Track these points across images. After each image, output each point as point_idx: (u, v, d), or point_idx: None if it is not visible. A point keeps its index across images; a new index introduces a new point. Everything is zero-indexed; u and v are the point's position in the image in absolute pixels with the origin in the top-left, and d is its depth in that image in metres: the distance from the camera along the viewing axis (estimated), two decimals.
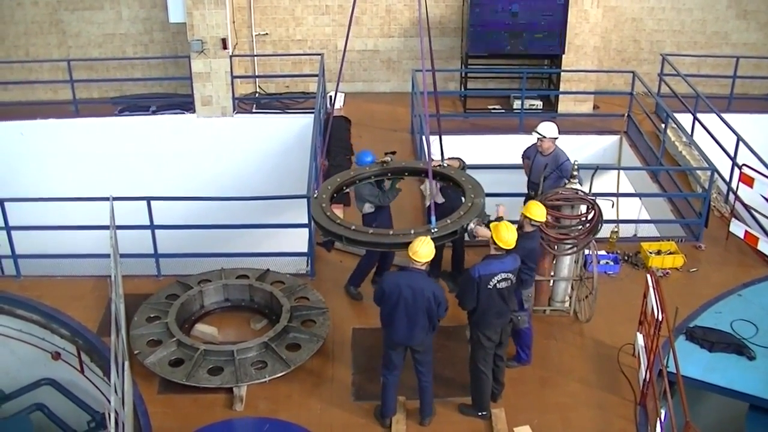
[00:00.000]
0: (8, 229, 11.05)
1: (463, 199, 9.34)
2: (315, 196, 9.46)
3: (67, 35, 17.13)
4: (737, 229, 11.98)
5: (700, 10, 17.45)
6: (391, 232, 8.72)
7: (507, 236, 8.17)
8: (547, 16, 16.09)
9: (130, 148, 16.25)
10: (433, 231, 8.52)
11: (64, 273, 11.29)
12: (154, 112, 16.72)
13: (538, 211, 8.95)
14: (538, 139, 10.64)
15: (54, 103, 17.09)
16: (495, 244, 8.22)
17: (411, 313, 7.98)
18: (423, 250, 7.93)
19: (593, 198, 9.82)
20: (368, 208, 10.24)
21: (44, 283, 11.00)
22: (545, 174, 10.49)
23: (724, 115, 13.77)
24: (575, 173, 9.96)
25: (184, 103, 16.65)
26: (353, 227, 8.84)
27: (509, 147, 15.29)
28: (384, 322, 8.22)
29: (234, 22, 16.51)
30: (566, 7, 15.96)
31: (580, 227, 9.71)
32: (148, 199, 10.88)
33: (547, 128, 10.64)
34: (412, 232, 8.46)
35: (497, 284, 8.21)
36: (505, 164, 12.46)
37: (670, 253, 11.42)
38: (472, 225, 8.75)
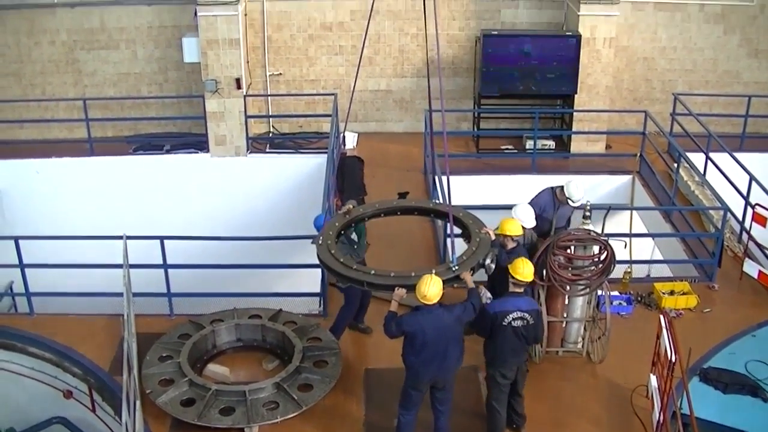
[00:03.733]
0: (22, 266, 11.12)
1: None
2: (319, 242, 9.30)
3: (83, 74, 17.32)
4: (751, 268, 11.93)
5: (712, 49, 17.51)
6: (413, 273, 8.48)
7: (525, 270, 8.27)
8: (559, 56, 16.20)
9: (144, 186, 16.36)
10: (454, 269, 8.50)
11: (77, 311, 11.30)
12: (168, 151, 16.85)
13: (513, 226, 9.34)
14: (568, 199, 10.62)
15: (69, 141, 17.20)
16: (513, 278, 8.29)
17: (441, 349, 8.00)
18: (432, 291, 7.92)
19: (606, 238, 9.81)
20: None
21: (57, 321, 11.02)
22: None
23: (736, 154, 13.77)
24: (588, 213, 9.97)
25: (198, 143, 16.78)
26: (373, 271, 8.75)
27: (522, 187, 15.42)
28: (409, 363, 8.16)
29: (248, 61, 16.65)
30: (578, 47, 16.04)
31: (592, 268, 9.69)
32: (162, 238, 10.94)
33: (580, 190, 10.59)
34: (433, 271, 8.38)
35: (512, 322, 8.24)
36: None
37: (684, 294, 11.37)
38: (488, 260, 8.75)
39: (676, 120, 16.11)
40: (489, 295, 8.92)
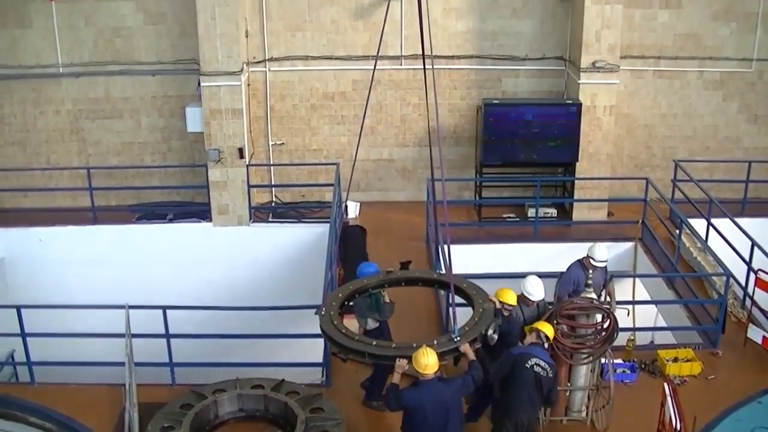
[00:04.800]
0: (24, 335, 11.10)
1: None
2: (322, 313, 9.31)
3: (88, 143, 17.47)
4: (755, 334, 11.87)
5: (711, 115, 17.69)
6: (414, 344, 8.44)
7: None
8: (560, 125, 16.37)
9: (147, 255, 16.39)
10: (456, 339, 8.48)
11: (78, 380, 11.24)
12: (171, 220, 16.94)
13: (506, 295, 9.62)
14: (591, 259, 10.78)
15: (73, 210, 17.28)
16: (536, 330, 8.36)
17: (440, 424, 8.03)
18: (430, 361, 7.93)
19: (608, 306, 9.80)
20: (372, 323, 10.26)
21: (58, 391, 10.97)
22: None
23: (738, 220, 13.86)
24: (589, 281, 10.01)
25: (200, 212, 16.85)
26: (374, 343, 8.73)
27: (524, 255, 15.48)
28: None
29: (251, 131, 16.81)
30: (579, 115, 16.22)
31: (595, 336, 9.66)
32: (164, 308, 10.93)
33: (603, 252, 10.76)
34: (435, 342, 8.38)
35: (534, 366, 8.26)
36: (523, 273, 12.47)
37: (688, 361, 11.31)
38: (490, 331, 8.74)
39: (678, 186, 16.21)
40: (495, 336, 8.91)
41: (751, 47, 17.29)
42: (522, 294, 10.23)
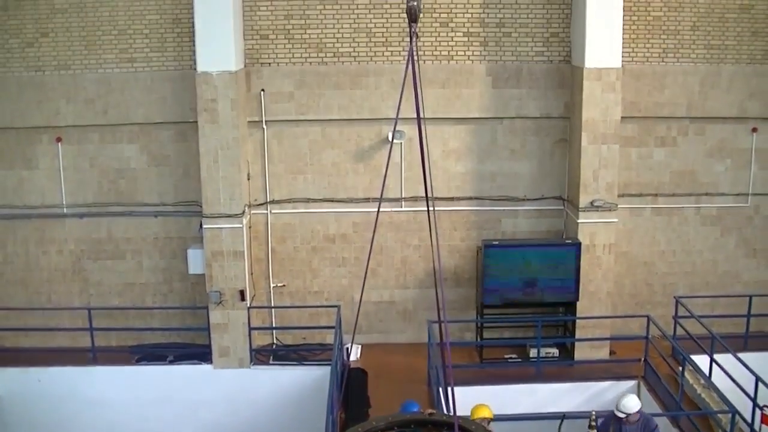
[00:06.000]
0: None
1: None
2: None
3: (89, 283, 17.52)
4: None
5: (710, 251, 17.79)
6: None
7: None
8: (560, 264, 16.43)
9: (147, 397, 16.34)
10: None
11: None
12: (171, 362, 16.85)
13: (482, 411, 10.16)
14: (623, 415, 10.79)
15: (72, 350, 17.25)
16: None
17: None
18: None
19: None
20: None
21: None
22: None
23: (741, 355, 13.88)
24: (593, 423, 10.03)
25: (201, 354, 16.79)
26: None
27: (527, 396, 15.39)
28: None
29: (252, 273, 16.89)
30: (578, 255, 16.31)
31: None
32: None
33: (632, 403, 10.77)
34: None
35: None
36: (525, 414, 12.44)
37: None
38: None
39: (679, 323, 16.24)
40: None
41: (746, 183, 17.56)
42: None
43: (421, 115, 8.70)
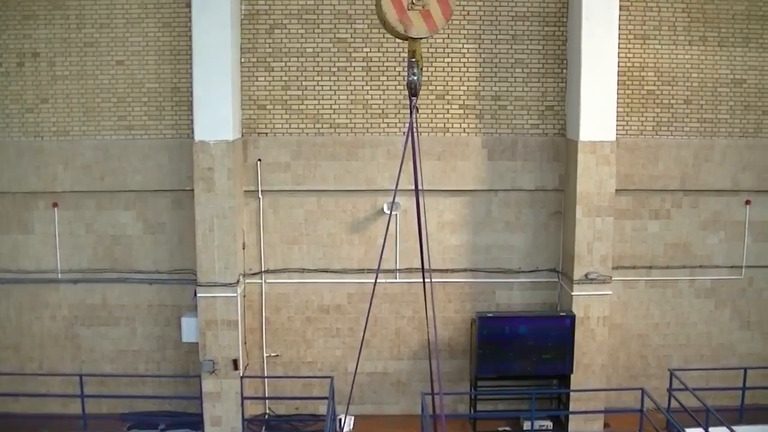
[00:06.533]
0: None
1: None
2: None
3: (82, 349, 17.42)
4: None
5: (704, 323, 17.78)
6: None
7: None
8: (554, 337, 16.41)
9: None
10: None
11: None
12: (162, 431, 16.71)
13: None
14: None
15: (63, 416, 17.10)
16: None
17: None
18: None
19: None
20: None
21: None
22: None
23: (736, 428, 13.81)
24: None
25: (193, 423, 16.64)
26: None
27: None
28: None
29: (246, 343, 16.84)
30: (573, 327, 16.31)
31: None
32: None
33: None
34: None
35: None
36: None
37: None
38: None
39: (674, 396, 16.17)
40: None
41: (740, 255, 17.63)
42: None
43: (420, 187, 8.80)
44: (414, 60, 9.27)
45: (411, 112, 9.26)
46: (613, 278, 16.59)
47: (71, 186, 16.89)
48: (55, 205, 16.97)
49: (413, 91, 9.22)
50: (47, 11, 16.60)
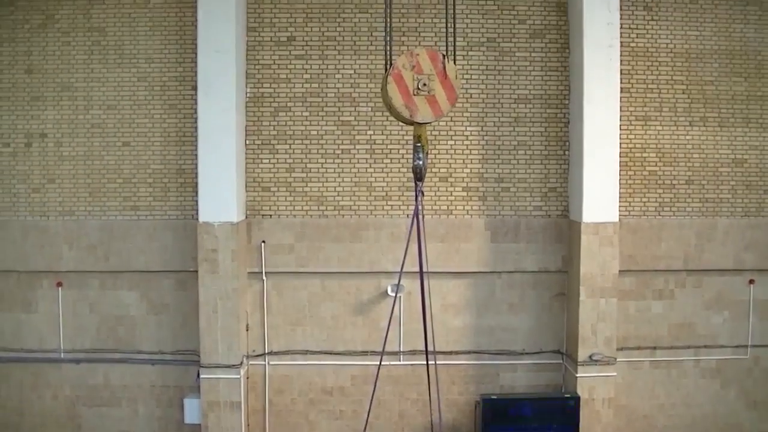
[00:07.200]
0: None
1: None
2: None
3: (83, 430, 17.30)
4: None
5: (710, 404, 17.62)
6: None
7: None
8: (559, 419, 16.27)
9: None
10: None
11: None
12: None
13: None
14: None
15: None
16: None
17: None
18: None
19: None
20: None
21: None
22: None
23: None
24: None
25: None
26: None
27: None
28: None
29: (249, 425, 16.74)
30: (578, 409, 16.19)
31: None
32: None
33: None
34: None
35: None
36: None
37: None
38: None
39: None
40: None
41: (745, 334, 17.54)
42: None
43: (424, 270, 8.82)
44: (419, 145, 9.38)
45: (416, 197, 9.36)
46: (617, 359, 16.53)
47: (76, 266, 16.93)
48: (59, 284, 17.00)
49: (419, 175, 9.32)
50: (56, 92, 16.85)
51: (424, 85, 9.34)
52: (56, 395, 17.28)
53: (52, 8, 16.80)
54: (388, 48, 10.05)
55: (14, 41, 16.84)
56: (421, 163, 9.28)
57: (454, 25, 10.64)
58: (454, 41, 10.28)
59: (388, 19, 10.10)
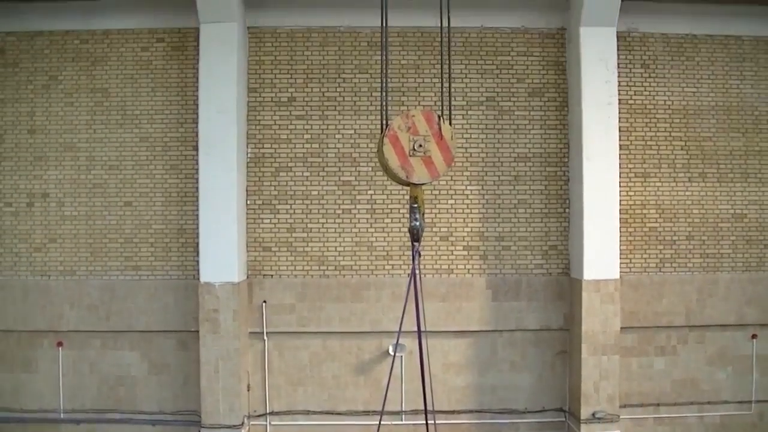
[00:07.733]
0: None
1: None
2: None
3: None
4: None
5: None
6: None
7: None
8: None
9: None
10: None
11: None
12: None
13: None
14: None
15: None
16: None
17: None
18: None
19: None
20: None
21: None
22: None
23: None
24: None
25: None
26: None
27: None
28: None
29: None
30: None
31: None
32: None
33: None
34: None
35: None
36: None
37: None
38: None
39: None
40: None
41: (748, 390, 17.43)
42: None
43: (422, 329, 8.79)
44: (416, 206, 9.39)
45: (413, 258, 9.33)
46: (620, 417, 16.40)
47: (76, 325, 16.88)
48: (59, 344, 16.93)
49: (416, 236, 9.31)
50: (58, 152, 16.94)
51: (420, 146, 9.37)
52: None
53: (56, 69, 16.97)
54: (385, 109, 10.04)
55: (18, 101, 16.98)
56: (417, 224, 9.29)
57: (450, 86, 10.74)
58: (450, 101, 10.37)
59: (385, 80, 10.13)
